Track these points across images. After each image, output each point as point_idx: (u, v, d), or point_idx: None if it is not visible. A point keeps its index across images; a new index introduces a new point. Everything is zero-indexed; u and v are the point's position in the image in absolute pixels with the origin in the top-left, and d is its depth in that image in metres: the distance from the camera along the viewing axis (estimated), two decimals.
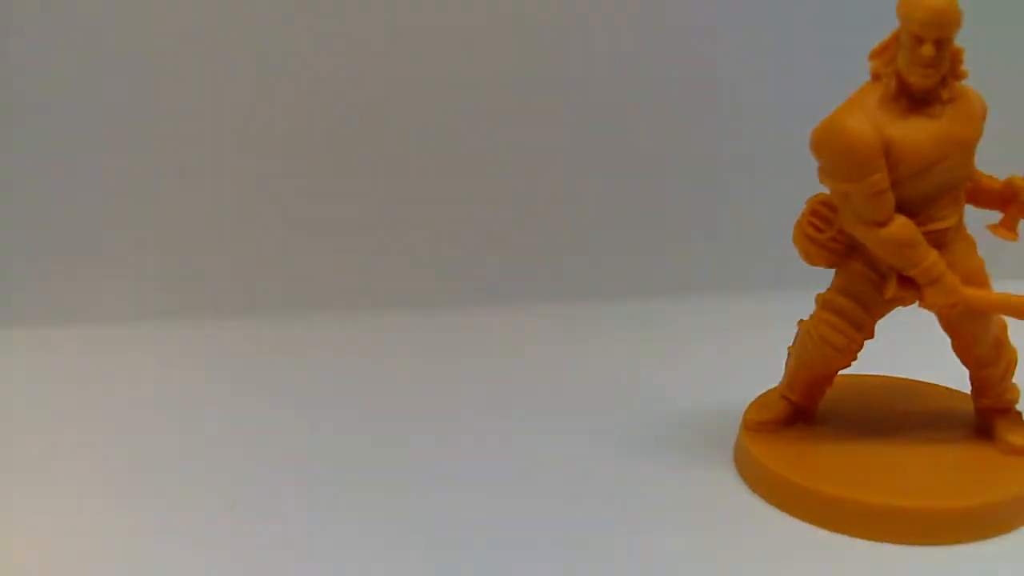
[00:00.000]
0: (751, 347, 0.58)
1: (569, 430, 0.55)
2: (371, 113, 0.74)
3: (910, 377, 0.56)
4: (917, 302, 0.46)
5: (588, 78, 0.75)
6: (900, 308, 0.48)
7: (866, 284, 0.47)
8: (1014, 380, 0.50)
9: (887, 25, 0.44)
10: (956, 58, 0.44)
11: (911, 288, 0.45)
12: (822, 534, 0.45)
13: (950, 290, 0.45)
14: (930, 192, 0.44)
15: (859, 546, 0.44)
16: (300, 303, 0.73)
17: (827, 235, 0.46)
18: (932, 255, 0.44)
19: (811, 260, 0.48)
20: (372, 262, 0.76)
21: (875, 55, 0.44)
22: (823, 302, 0.48)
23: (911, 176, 0.43)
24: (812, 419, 0.52)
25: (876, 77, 0.44)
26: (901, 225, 0.44)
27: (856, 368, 0.53)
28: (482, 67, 0.75)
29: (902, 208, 0.44)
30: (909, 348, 0.56)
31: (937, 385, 0.55)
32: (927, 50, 0.42)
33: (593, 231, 0.76)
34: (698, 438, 0.54)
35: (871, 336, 0.48)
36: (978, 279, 0.46)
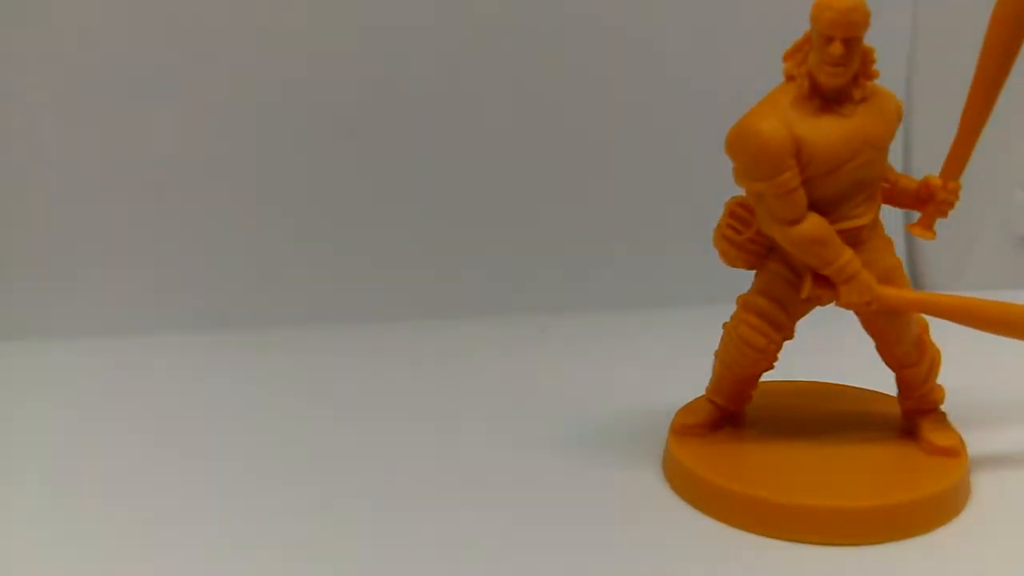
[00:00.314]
0: (689, 355, 0.58)
1: (500, 439, 0.55)
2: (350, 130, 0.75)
3: (839, 382, 0.56)
4: (834, 301, 0.46)
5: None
6: (829, 313, 0.48)
7: (784, 284, 0.47)
8: (939, 381, 0.50)
9: None
10: (867, 58, 0.44)
11: (827, 287, 0.45)
12: (744, 536, 0.45)
13: (864, 288, 0.45)
14: (843, 190, 0.44)
15: (780, 547, 0.44)
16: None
17: (745, 236, 0.47)
18: (846, 253, 0.44)
19: (731, 262, 0.48)
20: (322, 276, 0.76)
21: (788, 56, 0.45)
22: (743, 303, 0.48)
23: (823, 174, 0.43)
24: (740, 423, 0.52)
25: (789, 78, 0.44)
26: (814, 223, 0.44)
27: (786, 373, 0.54)
28: (457, 90, 0.76)
29: (816, 206, 0.44)
30: (839, 352, 0.56)
31: (865, 389, 0.55)
32: (835, 49, 0.42)
33: (535, 246, 0.77)
34: (631, 444, 0.53)
35: (790, 336, 0.48)
36: (895, 278, 0.47)
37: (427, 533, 0.45)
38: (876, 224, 0.46)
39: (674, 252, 0.76)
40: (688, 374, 0.53)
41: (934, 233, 0.49)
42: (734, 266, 0.48)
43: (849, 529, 0.44)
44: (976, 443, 0.51)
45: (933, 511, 0.46)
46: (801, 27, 0.44)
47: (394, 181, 0.78)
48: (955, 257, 1.11)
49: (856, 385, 0.56)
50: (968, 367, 0.58)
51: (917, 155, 1.07)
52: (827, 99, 0.44)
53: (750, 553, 0.44)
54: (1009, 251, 1.02)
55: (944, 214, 0.48)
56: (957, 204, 0.48)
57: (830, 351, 0.57)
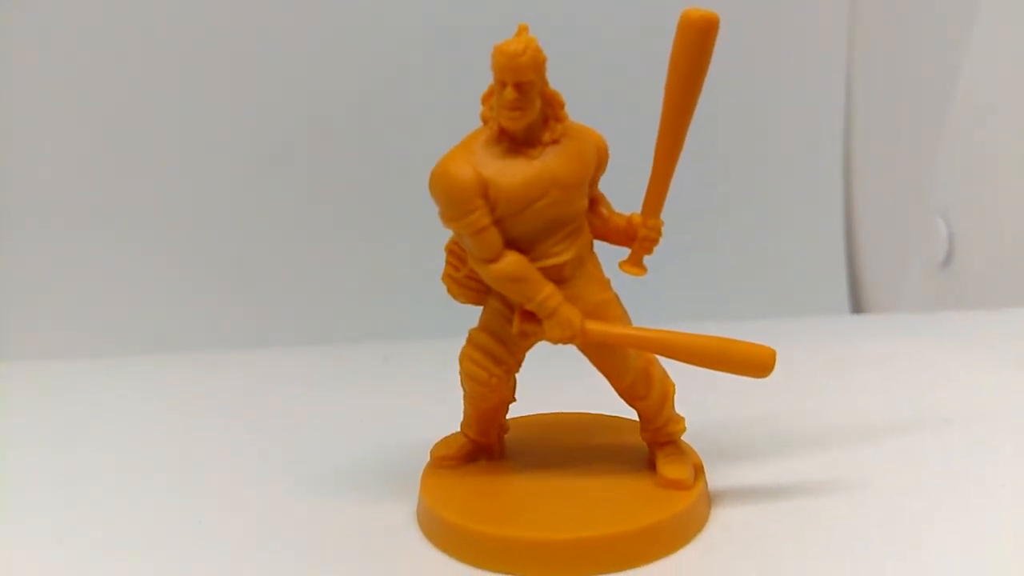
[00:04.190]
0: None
1: (263, 475, 0.57)
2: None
3: (609, 412, 0.56)
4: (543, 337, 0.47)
5: None
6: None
7: (502, 320, 0.48)
8: (678, 412, 0.51)
9: None
10: (554, 101, 0.45)
11: (534, 322, 0.47)
12: (478, 574, 0.46)
13: (566, 323, 0.46)
14: (538, 229, 0.45)
15: None
16: None
17: (462, 273, 0.48)
18: (546, 289, 0.45)
19: (456, 297, 0.49)
20: None
21: (483, 100, 0.46)
22: (469, 338, 0.49)
23: (513, 214, 0.45)
24: (496, 455, 0.53)
25: (484, 120, 0.46)
26: (510, 261, 0.45)
27: (556, 403, 0.55)
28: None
29: (514, 244, 0.45)
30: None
31: (624, 418, 0.55)
32: (508, 93, 0.43)
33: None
34: (391, 478, 0.55)
35: (514, 370, 0.49)
36: (604, 313, 0.47)
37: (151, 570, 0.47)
38: (582, 260, 0.47)
39: None
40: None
41: (643, 269, 0.49)
42: (460, 301, 0.49)
43: (579, 560, 0.45)
44: (722, 474, 0.52)
45: (651, 542, 0.46)
46: None
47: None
48: (889, 282, 1.10)
49: (625, 416, 0.56)
50: (726, 395, 0.58)
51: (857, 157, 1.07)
52: (516, 141, 0.45)
53: None
54: (935, 274, 1.01)
55: (648, 251, 0.49)
56: (660, 239, 0.49)
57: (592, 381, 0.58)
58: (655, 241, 0.48)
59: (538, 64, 0.44)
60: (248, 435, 0.63)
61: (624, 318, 0.48)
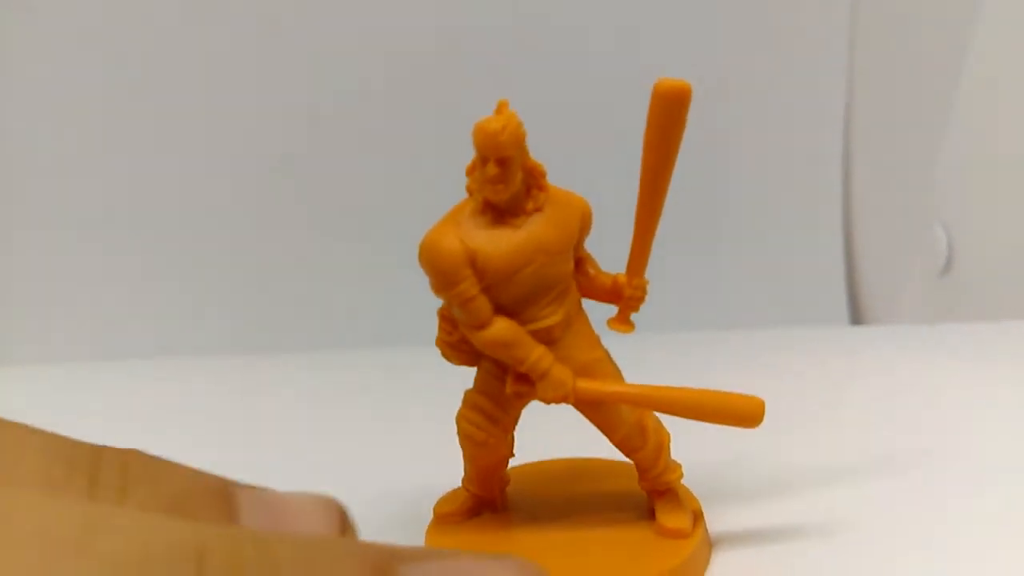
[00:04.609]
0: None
1: None
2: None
3: (602, 456, 0.57)
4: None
5: None
6: None
7: (495, 381, 0.49)
8: (674, 459, 0.51)
9: None
10: (534, 172, 0.46)
11: (527, 383, 0.47)
12: None
13: (558, 384, 0.47)
14: (526, 294, 0.46)
15: None
16: None
17: (455, 337, 0.49)
18: (537, 351, 0.46)
19: (451, 360, 0.50)
20: None
21: (468, 172, 0.47)
22: (464, 399, 0.50)
23: (500, 282, 0.46)
24: (499, 507, 0.54)
25: (469, 192, 0.47)
26: (499, 327, 0.46)
27: (556, 447, 0.55)
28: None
29: (504, 310, 0.46)
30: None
31: (622, 462, 0.56)
32: (490, 169, 0.44)
33: None
34: (395, 531, 0.56)
35: (510, 429, 0.50)
36: (595, 371, 0.48)
37: None
38: (571, 321, 0.48)
39: None
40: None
41: (631, 326, 0.50)
42: (455, 363, 0.50)
43: None
44: (721, 518, 0.53)
45: None
46: None
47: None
48: (888, 290, 1.11)
49: (622, 459, 0.56)
50: (725, 439, 0.59)
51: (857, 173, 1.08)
52: (500, 211, 0.46)
53: None
54: (934, 284, 1.02)
55: (635, 309, 0.50)
56: (645, 298, 0.50)
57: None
58: (640, 300, 0.50)
59: (518, 139, 0.44)
60: (245, 450, 0.63)
61: (615, 375, 0.49)
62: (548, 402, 0.48)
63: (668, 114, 0.45)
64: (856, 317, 1.16)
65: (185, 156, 0.86)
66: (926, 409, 0.67)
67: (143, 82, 0.83)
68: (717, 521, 0.53)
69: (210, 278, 0.87)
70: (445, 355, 0.50)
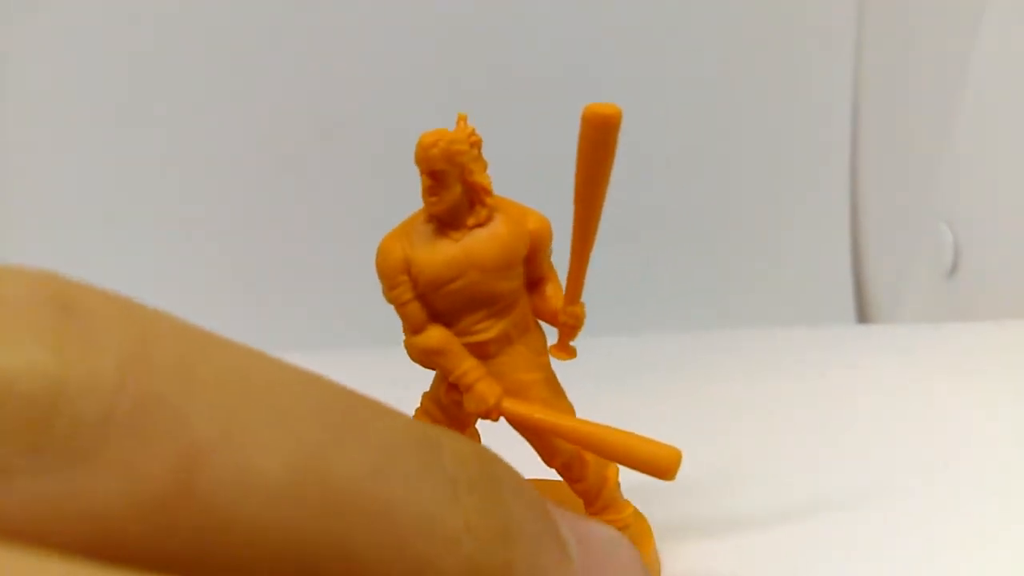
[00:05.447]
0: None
1: None
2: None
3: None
4: None
5: None
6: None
7: (443, 386, 0.48)
8: (625, 498, 0.50)
9: None
10: (476, 188, 0.45)
11: (459, 393, 0.47)
12: None
13: (479, 398, 0.46)
14: (458, 307, 0.46)
15: None
16: None
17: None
18: (465, 364, 0.46)
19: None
20: None
21: None
22: (419, 406, 0.50)
23: (431, 291, 0.46)
24: None
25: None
26: (431, 335, 0.46)
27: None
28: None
29: (440, 318, 0.47)
30: None
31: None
32: (424, 180, 0.45)
33: None
34: None
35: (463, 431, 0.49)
36: (527, 393, 0.47)
37: None
38: (510, 339, 0.47)
39: None
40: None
41: (569, 353, 0.49)
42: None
43: None
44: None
45: None
46: None
47: None
48: (895, 290, 1.10)
49: None
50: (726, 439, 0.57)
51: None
52: (443, 223, 0.46)
53: None
54: (941, 283, 1.01)
55: (570, 336, 0.48)
56: (580, 326, 0.48)
57: None
58: (574, 327, 0.48)
59: (449, 155, 0.44)
60: None
61: (551, 400, 0.48)
62: (473, 415, 0.47)
63: (596, 139, 0.42)
64: (862, 315, 1.15)
65: (188, 155, 0.85)
66: (932, 409, 0.66)
67: (145, 82, 0.83)
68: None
69: (212, 277, 0.86)
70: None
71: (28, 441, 0.16)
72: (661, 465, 0.44)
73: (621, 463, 0.46)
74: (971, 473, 0.56)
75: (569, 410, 0.49)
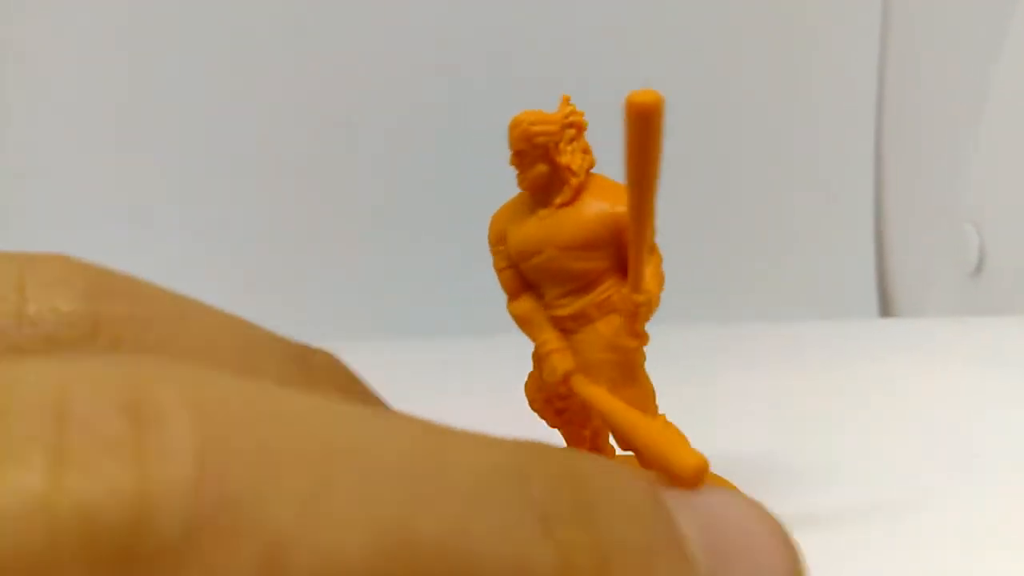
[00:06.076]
0: None
1: None
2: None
3: None
4: None
5: None
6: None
7: None
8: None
9: None
10: (561, 168, 0.47)
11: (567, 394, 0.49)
12: None
13: (550, 370, 0.48)
14: (543, 280, 0.49)
15: None
16: None
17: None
18: (545, 335, 0.48)
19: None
20: None
21: None
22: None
23: (520, 263, 0.49)
24: None
25: None
26: (519, 305, 0.49)
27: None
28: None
29: (534, 289, 0.49)
30: None
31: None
32: (511, 159, 0.47)
33: None
34: None
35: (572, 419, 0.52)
36: (595, 373, 0.48)
37: None
38: (590, 318, 0.48)
39: None
40: None
41: (636, 338, 0.48)
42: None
43: None
44: None
45: None
46: None
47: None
48: (919, 290, 1.11)
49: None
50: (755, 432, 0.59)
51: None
52: (536, 200, 0.48)
53: None
54: (964, 282, 1.02)
55: (632, 321, 0.47)
56: (637, 311, 0.47)
57: None
58: (632, 312, 0.47)
59: (529, 136, 0.46)
60: None
61: (619, 384, 0.48)
62: (549, 383, 0.49)
63: (639, 128, 0.40)
64: (886, 316, 1.16)
65: (192, 154, 0.86)
66: (957, 402, 0.67)
67: (153, 82, 0.84)
68: None
69: (221, 274, 0.87)
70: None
71: (116, 572, 0.16)
72: (683, 474, 0.42)
73: (643, 465, 0.43)
74: (996, 466, 0.56)
75: (641, 397, 0.49)
